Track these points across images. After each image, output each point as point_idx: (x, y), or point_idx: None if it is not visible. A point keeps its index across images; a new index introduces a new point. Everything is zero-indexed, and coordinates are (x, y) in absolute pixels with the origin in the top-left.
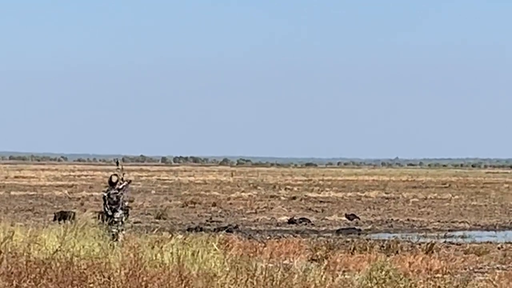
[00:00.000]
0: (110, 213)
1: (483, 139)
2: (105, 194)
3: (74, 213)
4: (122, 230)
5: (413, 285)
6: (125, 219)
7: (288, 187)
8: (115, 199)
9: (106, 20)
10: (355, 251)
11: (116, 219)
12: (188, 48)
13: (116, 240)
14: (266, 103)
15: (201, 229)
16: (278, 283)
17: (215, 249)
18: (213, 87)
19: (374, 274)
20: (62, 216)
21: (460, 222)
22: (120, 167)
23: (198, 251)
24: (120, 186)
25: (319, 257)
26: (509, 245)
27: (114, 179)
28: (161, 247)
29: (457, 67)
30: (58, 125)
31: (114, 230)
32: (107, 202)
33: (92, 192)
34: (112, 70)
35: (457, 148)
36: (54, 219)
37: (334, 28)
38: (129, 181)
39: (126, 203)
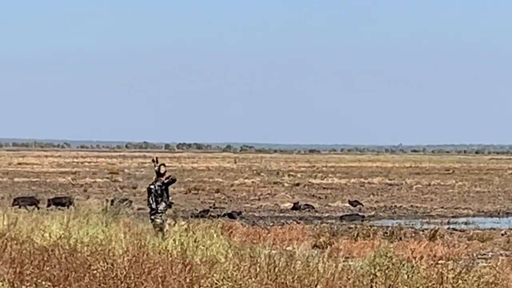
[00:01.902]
0: (154, 205)
1: (486, 126)
2: (151, 187)
3: (38, 200)
4: (166, 220)
5: (416, 271)
6: (167, 212)
7: (292, 173)
8: (159, 191)
9: (109, 7)
10: (358, 237)
11: (159, 211)
12: (189, 34)
13: (161, 230)
14: (269, 89)
15: (203, 216)
16: (281, 269)
17: (217, 236)
18: (216, 74)
19: (377, 260)
20: (20, 201)
21: (463, 209)
22: (158, 164)
23: (201, 238)
24: (166, 180)
25: (323, 243)
26: None
27: (162, 169)
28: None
29: (459, 54)
30: (61, 112)
31: (158, 220)
32: (152, 195)
33: (96, 179)
34: (116, 57)
35: (461, 135)
36: (13, 205)
37: (336, 15)
38: (174, 180)
39: (170, 198)
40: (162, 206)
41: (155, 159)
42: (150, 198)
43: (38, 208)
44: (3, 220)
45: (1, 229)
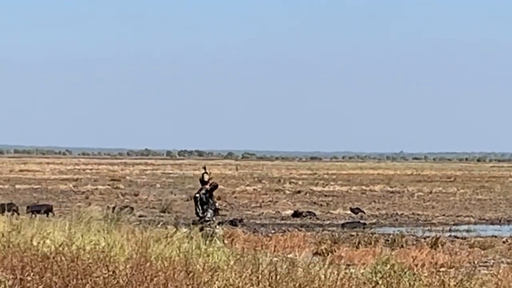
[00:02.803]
0: (201, 213)
1: (488, 133)
2: (197, 195)
3: (17, 206)
4: (216, 227)
5: (417, 279)
6: (215, 218)
7: (293, 180)
8: (205, 199)
9: (111, 13)
10: (360, 245)
11: (207, 219)
12: (192, 41)
13: (210, 236)
14: (271, 97)
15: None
16: (282, 277)
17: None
18: (219, 80)
19: (378, 268)
20: None
21: (465, 216)
22: (208, 171)
23: (203, 245)
24: (209, 187)
25: (324, 251)
26: None
27: (206, 177)
28: (167, 241)
29: (461, 60)
30: (62, 119)
31: (208, 229)
32: (198, 203)
33: (97, 186)
34: (117, 63)
35: (462, 142)
36: None
37: (337, 21)
38: (216, 185)
39: (217, 204)
40: (209, 213)
41: (205, 167)
42: (197, 207)
43: (13, 215)
44: (4, 226)
45: (2, 235)
